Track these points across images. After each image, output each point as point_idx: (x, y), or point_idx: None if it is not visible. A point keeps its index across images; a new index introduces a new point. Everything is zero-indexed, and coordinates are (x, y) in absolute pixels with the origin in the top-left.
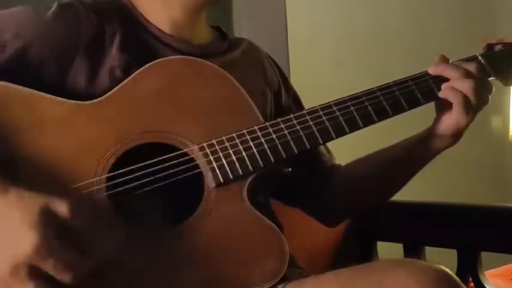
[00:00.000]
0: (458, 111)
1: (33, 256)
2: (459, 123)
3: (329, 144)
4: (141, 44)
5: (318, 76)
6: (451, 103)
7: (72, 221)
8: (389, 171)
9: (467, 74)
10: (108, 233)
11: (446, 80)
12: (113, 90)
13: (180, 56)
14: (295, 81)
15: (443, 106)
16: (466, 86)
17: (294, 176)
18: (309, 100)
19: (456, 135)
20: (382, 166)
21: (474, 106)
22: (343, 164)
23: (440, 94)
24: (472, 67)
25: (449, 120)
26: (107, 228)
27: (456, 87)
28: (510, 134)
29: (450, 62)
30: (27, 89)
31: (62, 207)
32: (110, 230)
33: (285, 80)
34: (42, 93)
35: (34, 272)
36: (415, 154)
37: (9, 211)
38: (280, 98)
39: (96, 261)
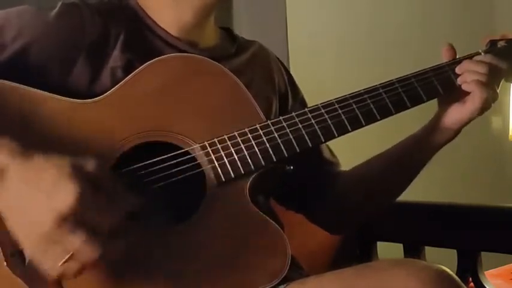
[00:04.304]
0: (476, 101)
1: (77, 206)
2: (474, 112)
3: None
4: (146, 45)
5: (319, 78)
6: (458, 97)
7: (99, 176)
8: (391, 171)
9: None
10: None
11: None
12: (113, 88)
13: (180, 54)
14: None
15: (449, 100)
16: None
17: (300, 182)
18: (309, 102)
19: (460, 129)
20: (384, 167)
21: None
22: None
23: (463, 86)
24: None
25: (461, 113)
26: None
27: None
28: (510, 134)
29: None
30: (25, 86)
31: (88, 165)
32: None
33: (293, 85)
34: (40, 91)
35: (79, 221)
36: (417, 151)
37: (41, 171)
38: (287, 103)
39: (129, 213)
